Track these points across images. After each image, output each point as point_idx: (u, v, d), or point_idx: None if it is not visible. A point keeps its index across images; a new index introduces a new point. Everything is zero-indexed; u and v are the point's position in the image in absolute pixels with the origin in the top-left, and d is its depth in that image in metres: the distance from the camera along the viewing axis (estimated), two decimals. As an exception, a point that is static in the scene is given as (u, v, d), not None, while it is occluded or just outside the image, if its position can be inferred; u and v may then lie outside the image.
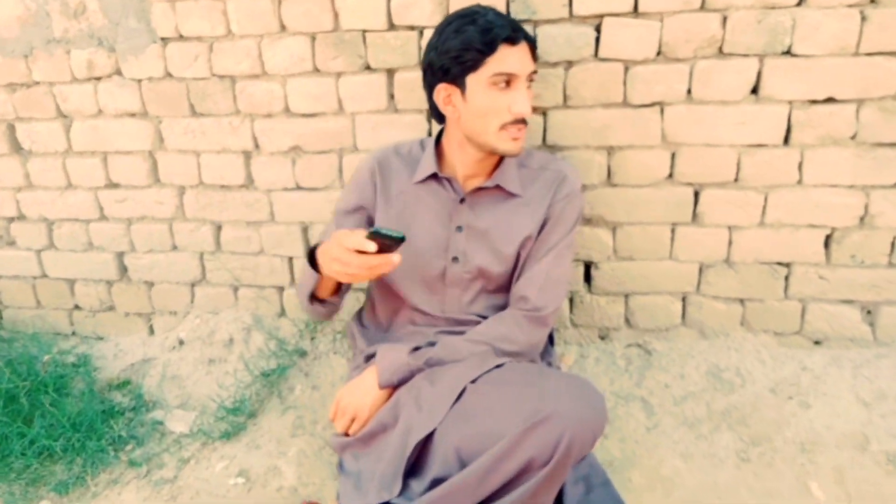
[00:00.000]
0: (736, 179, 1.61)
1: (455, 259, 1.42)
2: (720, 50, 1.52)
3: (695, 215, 1.67)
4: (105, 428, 1.81)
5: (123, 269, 2.11)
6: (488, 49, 1.26)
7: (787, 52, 1.50)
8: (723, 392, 1.62)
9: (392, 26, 1.66)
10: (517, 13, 1.57)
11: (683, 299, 1.76)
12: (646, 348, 1.78)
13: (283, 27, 1.72)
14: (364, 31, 1.68)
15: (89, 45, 1.85)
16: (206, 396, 1.89)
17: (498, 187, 1.40)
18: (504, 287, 1.45)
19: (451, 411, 1.15)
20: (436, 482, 1.11)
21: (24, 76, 1.93)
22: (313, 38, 1.71)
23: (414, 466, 1.18)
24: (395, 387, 1.35)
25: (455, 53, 1.27)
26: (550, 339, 1.58)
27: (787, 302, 1.69)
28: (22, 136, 2.01)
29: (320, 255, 1.24)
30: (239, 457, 1.67)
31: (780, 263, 1.66)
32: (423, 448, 1.18)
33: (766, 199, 1.61)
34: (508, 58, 1.26)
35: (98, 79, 1.89)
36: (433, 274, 1.43)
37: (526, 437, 1.04)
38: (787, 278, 1.67)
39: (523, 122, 1.29)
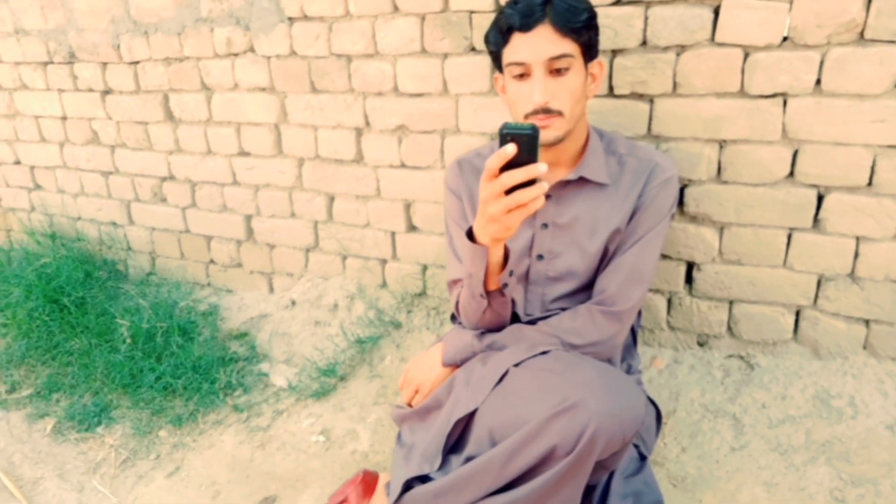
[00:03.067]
0: (869, 184, 1.41)
1: (540, 257, 1.39)
2: (861, 35, 1.33)
3: (816, 221, 1.49)
4: (220, 373, 2.02)
5: (250, 231, 2.31)
6: (502, 40, 1.22)
7: (946, 39, 1.28)
8: (829, 421, 1.45)
9: (498, 7, 1.63)
10: (628, -6, 1.48)
11: (797, 313, 1.59)
12: (748, 361, 1.64)
13: (395, 7, 1.76)
14: (471, 12, 1.67)
15: (228, 23, 2.02)
16: (308, 355, 2.03)
17: (583, 179, 1.34)
18: (590, 285, 1.39)
19: (492, 393, 1.15)
20: (468, 461, 1.13)
21: (176, 52, 2.16)
22: (423, 19, 1.74)
23: (457, 443, 1.21)
24: (458, 365, 1.37)
25: (487, 45, 1.28)
26: (634, 339, 1.50)
27: (923, 329, 1.47)
28: (174, 105, 2.26)
29: (477, 232, 1.13)
30: (325, 416, 1.78)
31: (918, 284, 1.45)
32: (466, 426, 1.19)
33: (905, 210, 1.40)
34: (520, 47, 1.20)
35: (235, 55, 2.06)
36: (516, 274, 1.39)
37: (550, 423, 1.03)
38: (925, 302, 1.45)
39: (548, 111, 1.21)
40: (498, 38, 1.25)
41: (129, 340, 2.14)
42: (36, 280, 2.38)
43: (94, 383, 2.07)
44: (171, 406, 1.94)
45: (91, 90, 2.40)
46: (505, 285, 1.22)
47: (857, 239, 1.46)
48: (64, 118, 2.53)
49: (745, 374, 1.62)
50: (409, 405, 1.42)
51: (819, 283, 1.53)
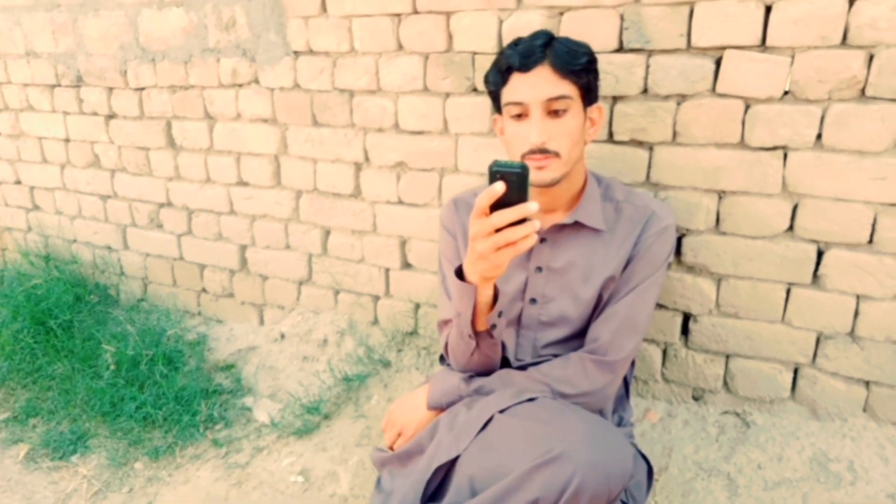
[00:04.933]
0: (870, 242, 1.39)
1: (533, 301, 1.36)
2: (862, 92, 1.32)
3: (815, 277, 1.46)
4: (202, 406, 1.97)
5: (244, 261, 2.28)
6: (501, 80, 1.23)
7: (949, 100, 1.27)
8: (826, 486, 1.40)
9: (501, 49, 1.64)
10: (630, 42, 1.48)
11: (795, 371, 1.54)
12: (744, 419, 1.59)
13: (400, 46, 1.77)
14: (474, 53, 1.68)
15: (235, 54, 2.04)
16: (293, 391, 1.98)
17: (578, 224, 1.32)
18: (583, 333, 1.36)
19: (475, 439, 1.11)
20: None
21: (182, 80, 2.17)
22: (426, 58, 1.74)
23: (437, 491, 1.16)
24: (443, 409, 1.32)
25: (486, 85, 1.29)
26: (627, 391, 1.46)
27: (926, 393, 1.42)
28: (176, 132, 2.26)
29: (467, 270, 1.11)
30: (305, 455, 1.73)
31: (920, 346, 1.41)
32: (447, 473, 1.15)
33: (907, 269, 1.37)
34: (519, 86, 1.21)
35: (240, 86, 2.07)
36: (508, 318, 1.37)
37: (533, 475, 0.98)
38: (928, 365, 1.41)
39: (545, 151, 1.20)
40: (497, 77, 1.26)
41: (112, 367, 2.09)
42: (24, 301, 2.35)
43: (73, 410, 2.02)
44: (149, 437, 1.88)
45: (96, 114, 2.41)
46: (493, 326, 1.19)
47: (858, 297, 1.43)
48: (67, 140, 2.54)
49: (741, 432, 1.56)
50: (391, 448, 1.38)
51: (818, 341, 1.49)
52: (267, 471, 1.70)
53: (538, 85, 1.20)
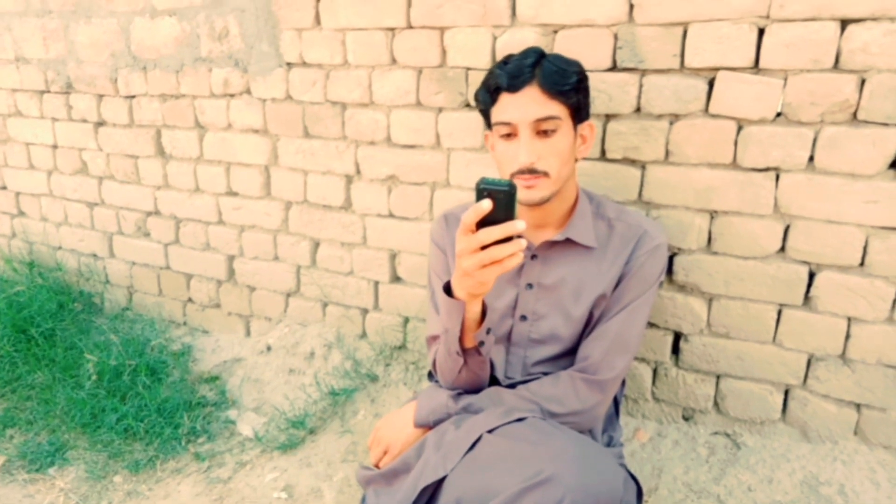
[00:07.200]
0: (861, 264, 1.39)
1: (523, 318, 1.34)
2: (854, 116, 1.33)
3: (807, 298, 1.45)
4: (184, 418, 1.93)
5: (231, 272, 2.26)
6: (490, 99, 1.23)
7: (940, 125, 1.27)
8: (816, 509, 1.39)
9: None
10: (623, 61, 1.48)
11: (786, 392, 1.53)
12: (735, 440, 1.57)
13: (393, 60, 1.76)
14: (468, 69, 1.67)
15: (227, 65, 2.03)
16: (278, 404, 1.95)
17: (570, 241, 1.31)
18: (573, 350, 1.35)
19: (463, 459, 1.09)
20: None
21: (173, 89, 2.15)
22: (419, 72, 1.74)
23: None
24: (430, 427, 1.30)
25: (476, 103, 1.29)
26: (616, 410, 1.45)
27: (915, 417, 1.42)
28: (166, 141, 2.24)
29: (454, 286, 1.11)
30: (289, 471, 1.69)
31: (910, 370, 1.40)
32: (433, 494, 1.13)
33: (898, 293, 1.37)
34: (507, 107, 1.20)
35: (231, 96, 2.06)
36: (498, 335, 1.35)
37: (521, 498, 0.96)
38: (918, 389, 1.40)
39: (534, 171, 1.20)
40: (486, 97, 1.25)
41: (94, 377, 2.05)
42: (6, 308, 2.31)
43: (52, 420, 1.97)
44: (129, 450, 1.84)
45: (85, 121, 2.39)
46: (481, 343, 1.17)
47: (849, 319, 1.42)
48: (55, 147, 2.51)
49: (731, 454, 1.55)
50: (377, 466, 1.35)
51: (809, 363, 1.49)
52: (250, 486, 1.67)
53: (527, 105, 1.19)
